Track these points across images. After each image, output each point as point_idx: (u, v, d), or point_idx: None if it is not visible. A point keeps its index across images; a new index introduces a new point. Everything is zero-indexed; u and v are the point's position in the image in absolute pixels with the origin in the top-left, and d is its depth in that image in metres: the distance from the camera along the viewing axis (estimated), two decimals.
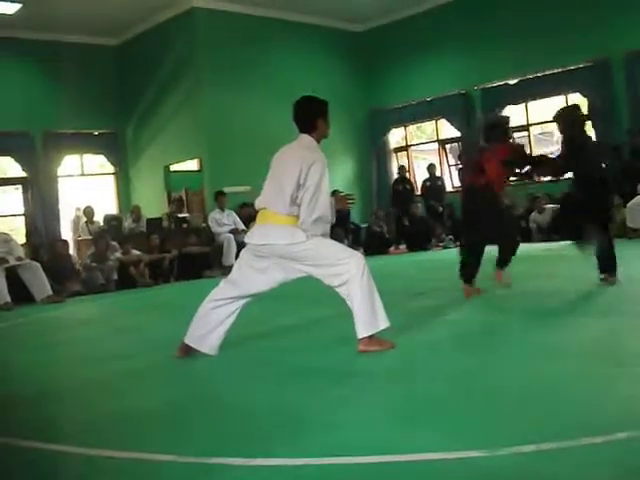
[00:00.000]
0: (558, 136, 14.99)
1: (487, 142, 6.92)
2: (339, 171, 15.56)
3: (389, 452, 2.61)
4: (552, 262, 9.32)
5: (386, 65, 16.31)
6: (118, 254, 11.47)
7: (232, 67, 14.24)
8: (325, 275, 4.58)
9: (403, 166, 15.67)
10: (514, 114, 14.61)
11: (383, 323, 4.47)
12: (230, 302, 4.72)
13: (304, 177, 4.48)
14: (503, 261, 6.72)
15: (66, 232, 14.33)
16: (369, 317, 4.44)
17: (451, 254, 12.27)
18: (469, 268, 6.53)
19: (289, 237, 4.50)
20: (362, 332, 4.43)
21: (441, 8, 15.25)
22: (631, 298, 5.73)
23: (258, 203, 4.74)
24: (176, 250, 12.13)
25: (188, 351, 4.77)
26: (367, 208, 16.14)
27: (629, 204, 11.06)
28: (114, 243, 11.69)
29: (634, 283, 6.36)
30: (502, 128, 6.88)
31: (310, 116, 4.76)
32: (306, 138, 4.73)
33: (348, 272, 4.45)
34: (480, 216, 6.48)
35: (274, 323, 6.05)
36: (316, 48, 15.79)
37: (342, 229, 15.00)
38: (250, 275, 4.71)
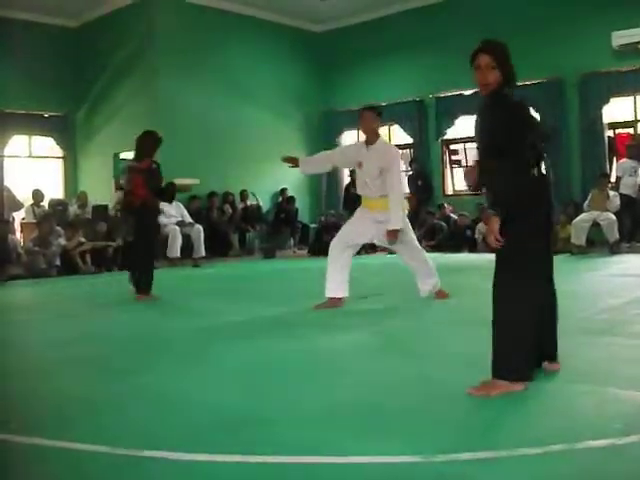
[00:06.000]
0: None
1: None
2: (291, 170, 15.47)
3: (321, 453, 2.63)
4: None
5: (343, 67, 16.36)
6: (62, 239, 11.30)
7: (188, 58, 14.12)
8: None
9: (354, 170, 15.67)
10: (467, 126, 14.81)
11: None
12: None
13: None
14: None
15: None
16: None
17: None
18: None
19: None
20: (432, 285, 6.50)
21: (401, 15, 15.35)
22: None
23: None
24: (121, 239, 11.97)
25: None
26: (316, 209, 16.24)
27: (574, 221, 11.31)
28: (58, 228, 11.50)
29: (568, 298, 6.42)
30: None
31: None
32: None
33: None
34: None
35: (220, 319, 6.02)
36: (273, 45, 15.69)
37: (289, 228, 15.08)
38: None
